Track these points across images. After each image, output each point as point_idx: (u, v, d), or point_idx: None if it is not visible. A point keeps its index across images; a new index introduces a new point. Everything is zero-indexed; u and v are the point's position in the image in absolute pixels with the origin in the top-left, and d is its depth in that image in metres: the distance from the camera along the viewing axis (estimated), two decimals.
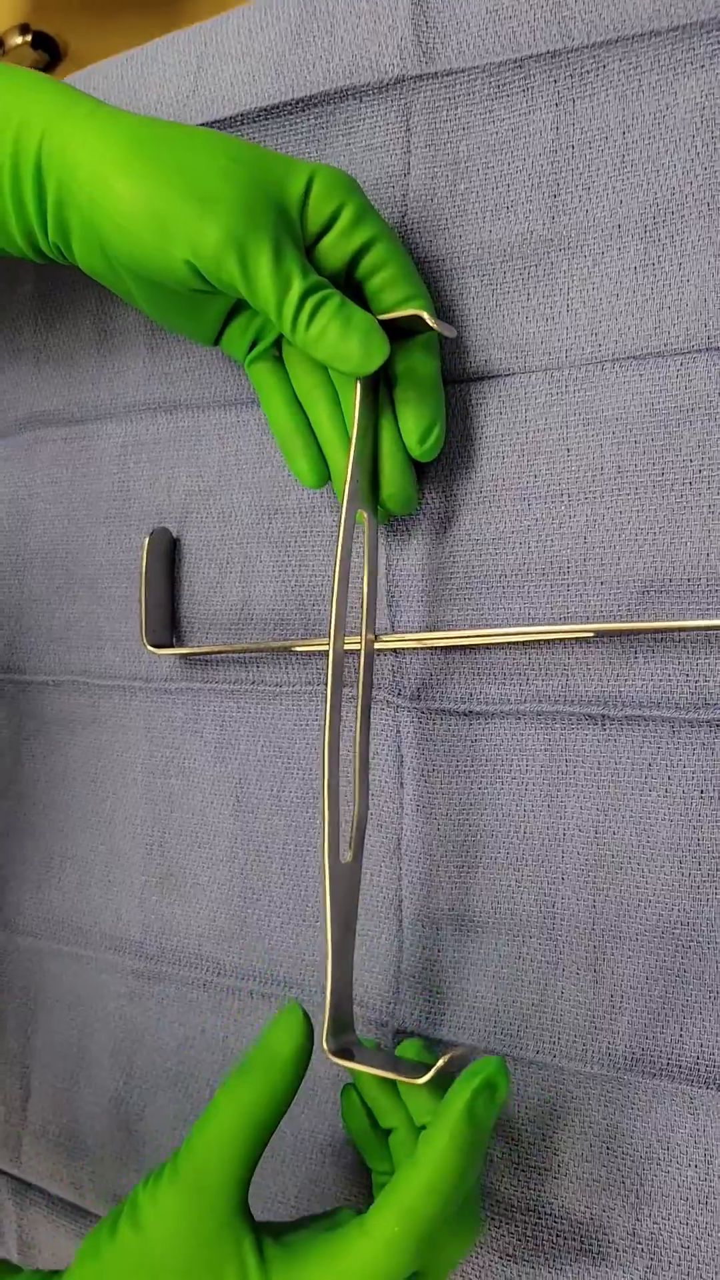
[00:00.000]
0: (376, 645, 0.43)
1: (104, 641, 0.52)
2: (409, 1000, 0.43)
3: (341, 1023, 0.37)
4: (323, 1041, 0.36)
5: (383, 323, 0.39)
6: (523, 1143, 0.40)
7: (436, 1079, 0.35)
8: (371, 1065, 0.36)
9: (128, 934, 0.51)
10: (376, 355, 0.37)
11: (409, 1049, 0.38)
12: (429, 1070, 0.35)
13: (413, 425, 0.41)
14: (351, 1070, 0.36)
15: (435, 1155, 0.33)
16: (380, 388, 0.41)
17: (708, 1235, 0.37)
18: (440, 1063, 0.34)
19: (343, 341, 0.37)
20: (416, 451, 0.41)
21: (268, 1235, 0.35)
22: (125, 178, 0.37)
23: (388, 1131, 0.39)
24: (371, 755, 0.44)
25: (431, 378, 0.41)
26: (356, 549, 0.42)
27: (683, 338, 0.38)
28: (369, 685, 0.42)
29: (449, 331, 0.39)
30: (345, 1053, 0.37)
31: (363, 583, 0.42)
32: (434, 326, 0.38)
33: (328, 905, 0.37)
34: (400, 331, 0.40)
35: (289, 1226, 0.37)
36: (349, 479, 0.39)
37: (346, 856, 0.40)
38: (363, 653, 0.42)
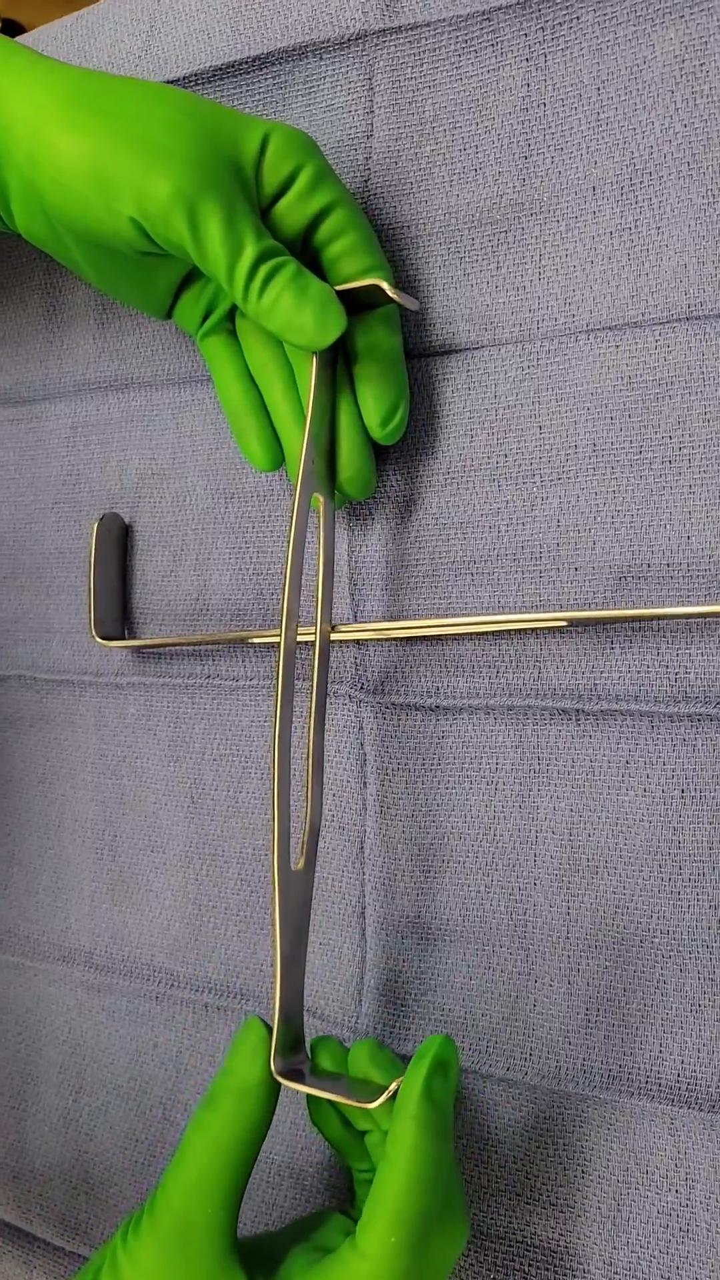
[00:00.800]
0: (335, 636, 0.40)
1: (52, 634, 0.49)
2: (372, 1013, 0.41)
3: (290, 1041, 0.35)
4: (270, 1062, 0.33)
5: (340, 294, 0.36)
6: (494, 1166, 0.38)
7: (388, 1103, 0.32)
8: (322, 1089, 0.33)
9: (77, 943, 0.48)
10: (333, 328, 0.35)
11: (361, 1052, 0.36)
12: (380, 1094, 0.32)
13: (373, 406, 0.38)
14: (301, 1089, 0.33)
15: (407, 1150, 0.31)
16: (339, 364, 0.38)
17: (689, 1265, 0.34)
18: (392, 1086, 0.32)
19: (297, 313, 0.35)
20: (378, 434, 0.38)
21: (260, 1274, 0.33)
22: (65, 131, 0.34)
23: (363, 1131, 0.37)
24: (333, 753, 0.42)
25: (393, 353, 0.38)
26: (313, 536, 0.40)
27: (661, 306, 0.36)
28: (324, 680, 0.39)
29: (411, 304, 0.36)
30: (295, 1074, 0.34)
31: (318, 570, 0.39)
32: (395, 298, 0.35)
33: (276, 917, 0.34)
34: (359, 304, 0.37)
35: (278, 1243, 0.34)
36: (303, 461, 0.36)
37: (298, 864, 0.37)
38: (317, 645, 0.39)
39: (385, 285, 0.35)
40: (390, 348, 0.38)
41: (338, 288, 0.36)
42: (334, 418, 0.39)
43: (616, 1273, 0.35)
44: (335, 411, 0.39)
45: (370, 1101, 0.32)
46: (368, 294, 0.36)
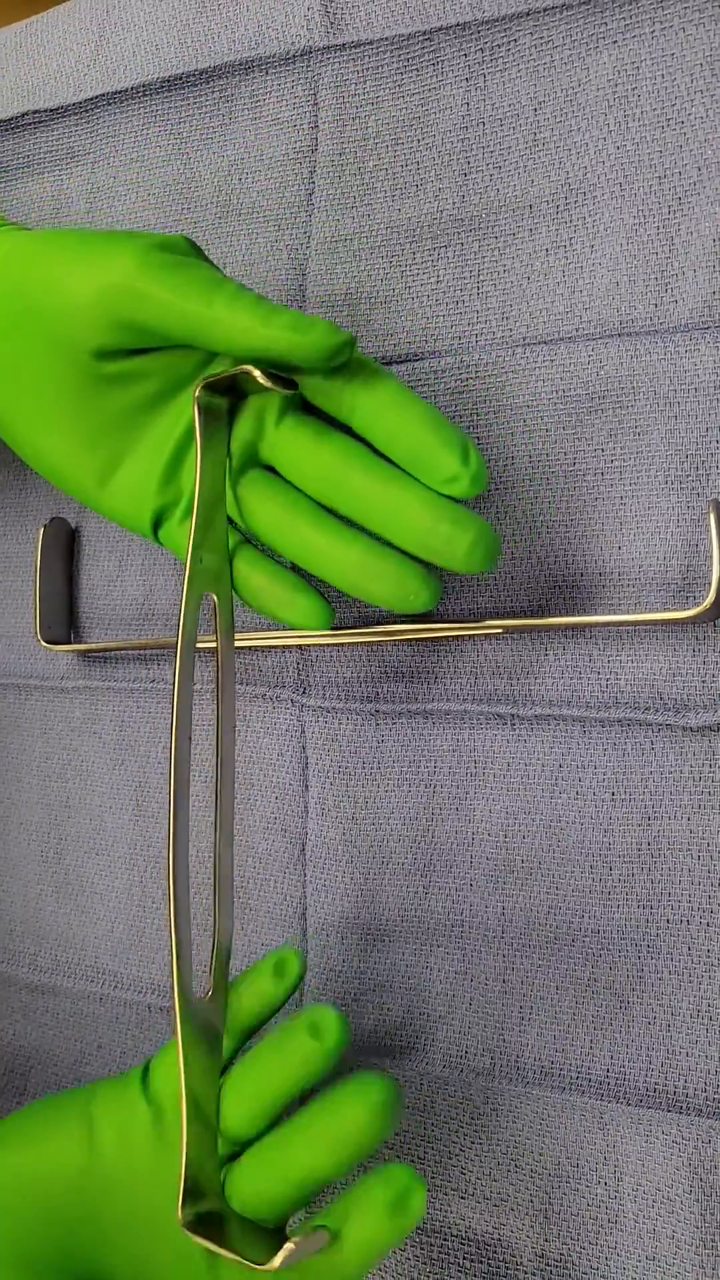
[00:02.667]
0: (269, 642, 0.41)
1: None
2: None
3: (199, 1188, 0.32)
4: (178, 1210, 0.31)
5: (213, 385, 0.34)
6: (428, 1160, 0.38)
7: (284, 1265, 0.30)
8: (221, 1245, 0.31)
9: (21, 946, 0.48)
10: (332, 333, 0.32)
11: (326, 1018, 0.33)
12: (274, 1256, 0.30)
13: (436, 452, 0.32)
14: (201, 1243, 0.31)
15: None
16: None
17: (617, 1256, 0.35)
18: (289, 1246, 0.30)
19: (296, 328, 0.32)
20: (462, 484, 0.32)
21: None
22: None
23: None
24: (275, 756, 0.42)
25: (412, 399, 0.33)
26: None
27: (594, 323, 0.37)
28: (230, 745, 0.36)
29: (290, 389, 0.33)
30: (204, 1225, 0.32)
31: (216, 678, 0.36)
32: (266, 385, 0.32)
33: (181, 1058, 0.32)
34: (240, 391, 0.35)
35: None
36: (189, 559, 0.33)
37: (206, 994, 0.34)
38: (219, 676, 0.36)
39: (256, 372, 0.32)
40: (405, 397, 0.33)
41: (207, 379, 0.33)
42: (373, 510, 0.33)
43: (548, 1264, 0.36)
44: (373, 506, 0.33)
45: (265, 1262, 0.30)
46: (243, 382, 0.34)
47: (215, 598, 0.36)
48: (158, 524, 0.36)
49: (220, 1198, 0.33)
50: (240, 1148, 0.34)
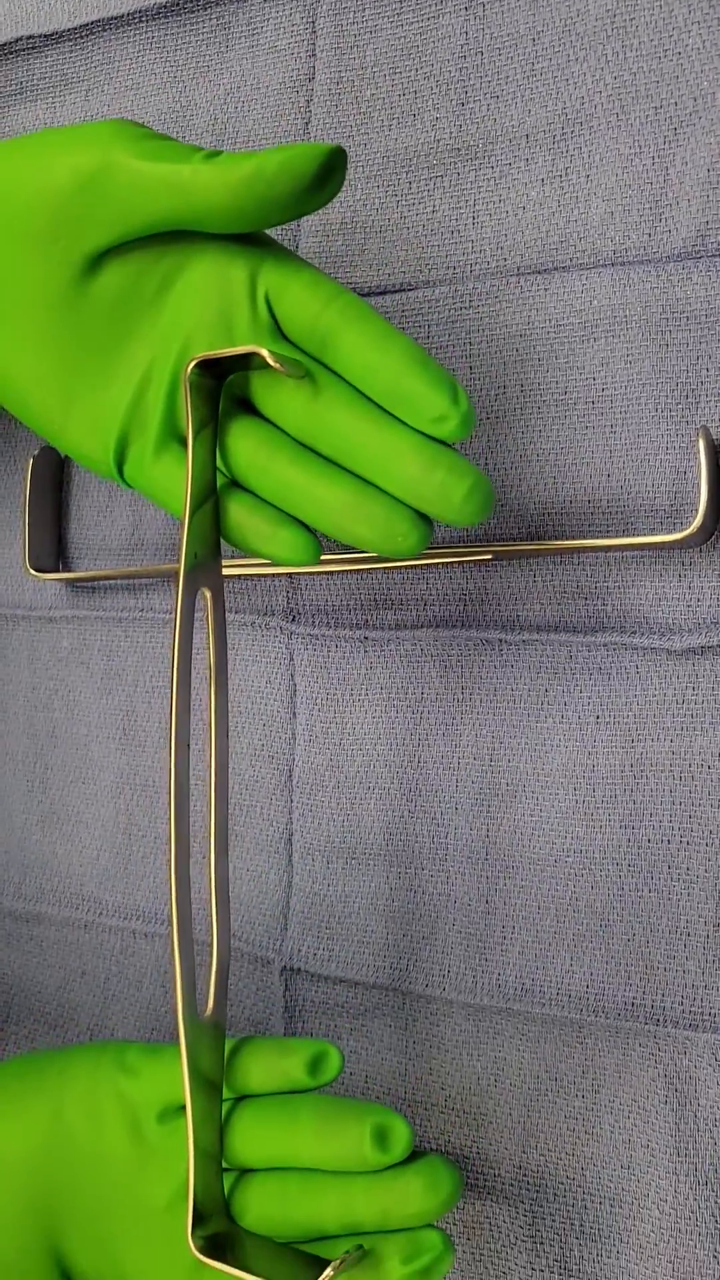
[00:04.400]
0: (260, 571, 0.41)
1: None
2: (297, 937, 0.42)
3: (209, 1208, 0.32)
4: (188, 1238, 0.31)
5: (208, 363, 0.32)
6: (410, 1079, 0.39)
7: None
8: (244, 1269, 0.30)
9: (6, 875, 0.48)
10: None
11: (397, 1130, 0.32)
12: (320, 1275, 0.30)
13: (423, 396, 0.31)
14: (223, 1269, 0.31)
15: None
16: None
17: (593, 1166, 0.36)
18: (329, 1271, 0.30)
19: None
20: (450, 427, 0.31)
21: None
22: None
23: None
24: (264, 684, 0.43)
25: (403, 341, 0.32)
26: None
27: (588, 253, 0.37)
28: (223, 812, 0.35)
29: (296, 372, 0.31)
30: (217, 1249, 0.31)
31: (209, 661, 0.35)
32: (276, 367, 0.31)
33: (186, 1077, 0.31)
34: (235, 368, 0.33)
35: None
36: (182, 552, 0.32)
37: (206, 1012, 0.33)
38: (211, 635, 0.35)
39: (264, 352, 0.30)
40: (387, 331, 0.32)
41: (201, 358, 0.32)
42: (364, 453, 0.32)
43: (526, 1175, 0.37)
44: (361, 448, 0.32)
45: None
46: (245, 360, 0.32)
47: (208, 594, 0.34)
48: (121, 462, 0.35)
49: (227, 1217, 0.33)
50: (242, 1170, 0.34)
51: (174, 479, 0.34)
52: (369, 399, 0.32)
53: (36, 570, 0.45)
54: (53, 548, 0.47)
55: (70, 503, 0.47)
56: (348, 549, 0.41)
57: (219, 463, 0.34)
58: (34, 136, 0.34)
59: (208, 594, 0.34)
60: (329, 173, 0.30)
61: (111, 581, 0.46)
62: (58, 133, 0.33)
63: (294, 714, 0.42)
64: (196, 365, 0.32)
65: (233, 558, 0.42)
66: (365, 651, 0.41)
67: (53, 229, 0.32)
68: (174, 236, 0.33)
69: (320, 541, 0.34)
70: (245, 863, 0.43)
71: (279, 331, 0.33)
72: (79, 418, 0.34)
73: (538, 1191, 0.37)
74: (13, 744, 0.48)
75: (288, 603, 0.42)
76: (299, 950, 0.42)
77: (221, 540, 0.34)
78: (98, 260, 0.33)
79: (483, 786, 0.39)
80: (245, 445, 0.33)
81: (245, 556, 0.41)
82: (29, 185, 0.32)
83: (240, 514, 0.33)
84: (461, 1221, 0.38)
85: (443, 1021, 0.39)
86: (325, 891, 0.41)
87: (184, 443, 0.34)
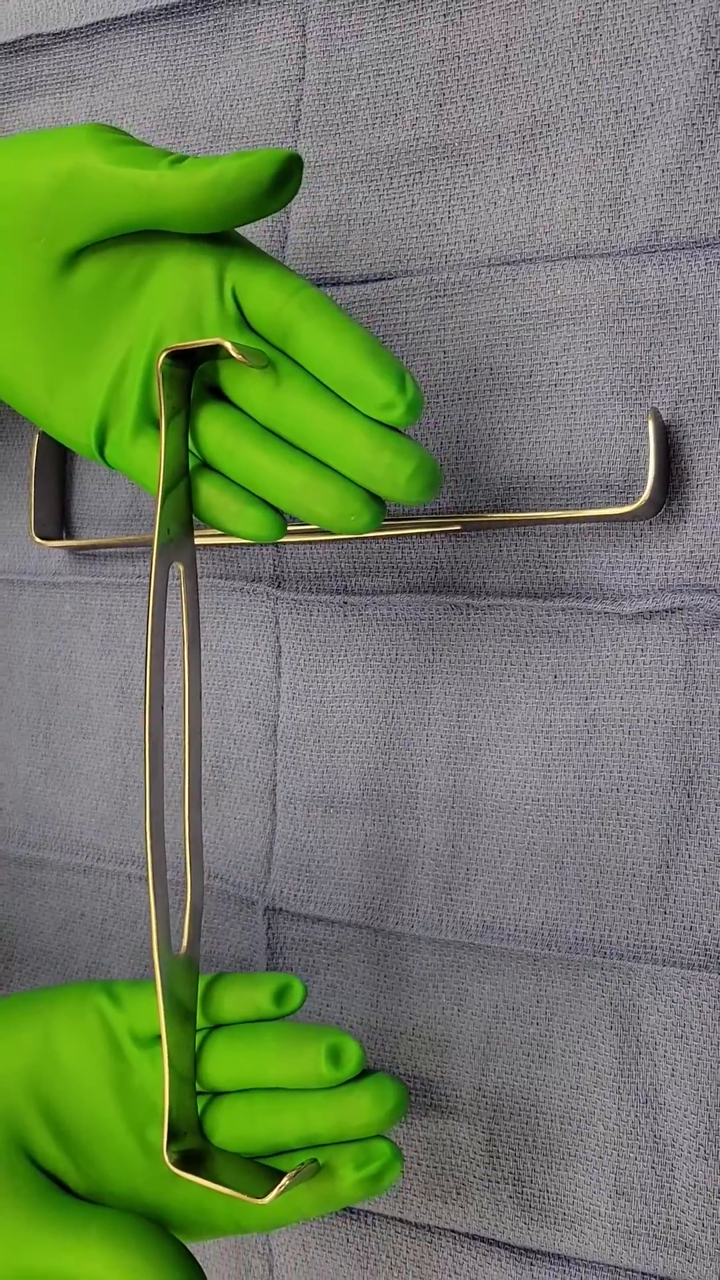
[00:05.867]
0: (228, 541, 0.43)
1: None
2: (279, 879, 0.45)
3: (183, 1126, 0.35)
4: (163, 1152, 0.34)
5: (178, 355, 0.34)
6: (381, 1009, 0.42)
7: (280, 1197, 0.33)
8: (214, 1180, 0.34)
9: (11, 824, 0.52)
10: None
11: (349, 1049, 0.35)
12: (271, 1190, 0.32)
13: (372, 381, 0.33)
14: (193, 1180, 0.34)
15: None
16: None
17: (546, 1087, 0.40)
18: (285, 1181, 0.33)
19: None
20: (397, 413, 0.33)
21: None
22: None
23: None
24: (251, 645, 0.46)
25: (352, 326, 0.34)
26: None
27: (553, 246, 0.40)
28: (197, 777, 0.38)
29: (259, 362, 0.34)
30: (189, 1163, 0.35)
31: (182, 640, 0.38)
32: (238, 358, 0.33)
33: (161, 1006, 0.34)
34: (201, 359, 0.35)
35: None
36: (156, 528, 0.35)
37: (180, 949, 0.36)
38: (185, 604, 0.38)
39: (228, 345, 0.33)
40: (342, 323, 0.34)
41: (171, 348, 0.34)
42: (317, 436, 0.34)
43: (484, 1096, 0.41)
44: (314, 432, 0.34)
45: (260, 1196, 0.33)
46: (213, 351, 0.34)
47: (181, 568, 0.37)
48: (102, 444, 0.37)
49: (199, 1134, 0.36)
50: (214, 1093, 0.37)
51: (151, 460, 0.36)
52: (326, 387, 0.34)
53: (41, 538, 0.49)
54: (57, 517, 0.50)
55: (73, 475, 0.50)
56: None
57: (191, 445, 0.36)
58: (16, 139, 0.36)
59: (180, 567, 0.37)
60: (286, 178, 0.33)
61: (111, 549, 0.49)
62: (38, 136, 0.36)
63: (279, 673, 0.45)
64: (167, 356, 0.34)
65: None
66: (345, 615, 0.44)
67: (34, 227, 0.35)
68: (147, 235, 0.35)
69: (285, 520, 0.36)
70: (232, 811, 0.46)
71: (245, 323, 0.35)
72: (62, 404, 0.37)
73: (495, 1111, 0.40)
74: (18, 701, 0.52)
75: (274, 569, 0.45)
76: (281, 892, 0.45)
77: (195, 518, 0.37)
78: (75, 257, 0.35)
79: (450, 740, 0.42)
80: (214, 429, 0.35)
81: None
82: (11, 186, 0.35)
83: (210, 493, 0.36)
84: (425, 1139, 0.41)
85: (411, 956, 0.42)
86: (306, 838, 0.45)
87: (158, 427, 0.36)
